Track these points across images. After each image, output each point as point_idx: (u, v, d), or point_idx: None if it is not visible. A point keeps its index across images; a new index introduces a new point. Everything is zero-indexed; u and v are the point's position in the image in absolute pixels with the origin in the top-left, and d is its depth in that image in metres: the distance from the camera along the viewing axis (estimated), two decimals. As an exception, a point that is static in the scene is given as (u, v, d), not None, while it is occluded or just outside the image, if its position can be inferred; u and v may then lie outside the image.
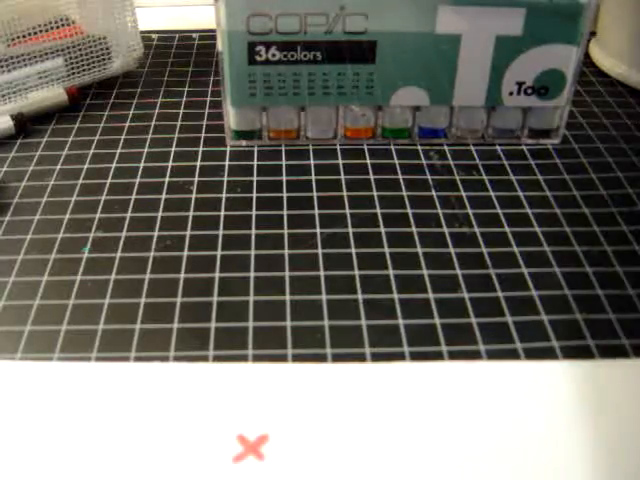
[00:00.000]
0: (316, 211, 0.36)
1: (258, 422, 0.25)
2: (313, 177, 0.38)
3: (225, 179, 0.38)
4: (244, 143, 0.41)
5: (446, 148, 0.41)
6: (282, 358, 0.28)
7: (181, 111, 0.45)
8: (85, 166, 0.39)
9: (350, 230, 0.35)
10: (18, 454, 0.24)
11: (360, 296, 0.31)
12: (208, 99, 0.46)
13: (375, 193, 0.37)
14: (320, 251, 0.33)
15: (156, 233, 0.34)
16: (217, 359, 0.28)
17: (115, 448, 0.25)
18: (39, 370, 0.27)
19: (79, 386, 0.27)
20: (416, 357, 0.28)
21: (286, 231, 0.34)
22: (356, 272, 0.32)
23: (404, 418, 0.26)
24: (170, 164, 0.39)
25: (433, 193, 0.37)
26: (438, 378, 0.27)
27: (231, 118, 0.40)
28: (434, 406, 0.26)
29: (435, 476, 0.24)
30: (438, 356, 0.28)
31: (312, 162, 0.40)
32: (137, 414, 0.26)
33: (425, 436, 0.25)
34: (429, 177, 0.38)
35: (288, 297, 0.31)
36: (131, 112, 0.44)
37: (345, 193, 0.37)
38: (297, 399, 0.26)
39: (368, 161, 0.40)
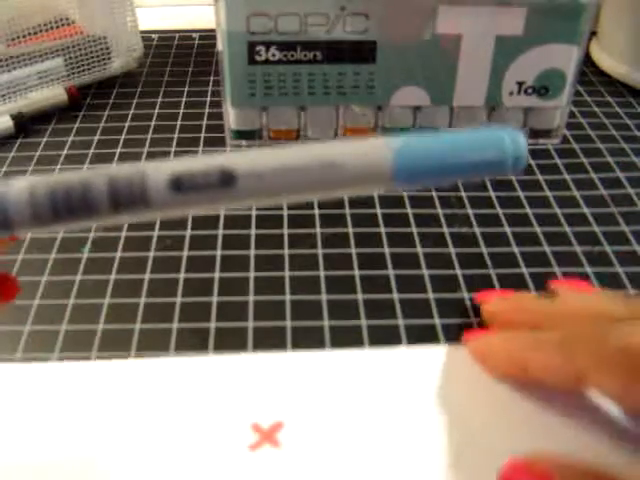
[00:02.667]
0: (316, 211, 0.36)
1: (271, 410, 0.26)
2: (313, 177, 0.38)
3: (225, 179, 0.38)
4: (244, 143, 0.41)
5: (446, 148, 0.41)
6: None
7: (181, 111, 0.45)
8: (85, 166, 0.39)
9: (350, 230, 0.34)
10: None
11: (360, 296, 0.31)
12: (208, 99, 0.46)
13: (375, 193, 0.37)
14: (320, 251, 0.33)
15: (156, 233, 0.34)
16: (217, 359, 0.28)
17: (137, 440, 0.25)
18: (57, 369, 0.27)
19: (99, 382, 0.27)
20: (416, 357, 0.28)
21: (286, 231, 0.34)
22: (356, 272, 0.32)
23: (413, 403, 0.26)
24: (170, 164, 0.39)
25: (433, 193, 0.37)
26: (440, 362, 0.28)
27: (231, 118, 0.40)
28: (443, 390, 0.26)
29: (446, 457, 0.24)
30: (438, 356, 0.28)
31: (312, 162, 0.39)
32: (154, 408, 0.26)
33: (435, 421, 0.25)
34: (429, 177, 0.38)
35: (288, 297, 0.31)
36: (131, 112, 0.44)
37: (345, 193, 0.37)
38: (307, 386, 0.27)
39: (368, 161, 0.40)
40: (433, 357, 0.28)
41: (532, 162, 0.40)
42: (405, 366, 0.27)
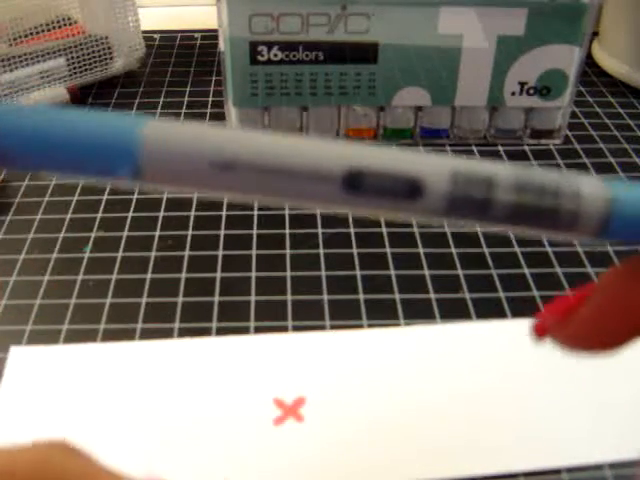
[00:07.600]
0: (318, 211, 0.36)
1: (293, 387, 0.26)
2: (315, 177, 0.38)
3: (227, 179, 0.38)
4: (246, 143, 0.41)
5: (448, 148, 0.41)
6: (283, 358, 0.28)
7: (183, 111, 0.45)
8: (87, 166, 0.39)
9: (352, 230, 0.34)
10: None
11: (362, 296, 0.31)
12: (210, 99, 0.46)
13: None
14: (322, 251, 0.33)
15: (158, 233, 0.34)
16: (218, 359, 0.28)
17: (166, 418, 0.25)
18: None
19: (127, 362, 0.28)
20: (417, 357, 0.28)
21: (287, 231, 0.34)
22: (357, 272, 0.32)
23: (428, 377, 0.27)
24: (172, 164, 0.39)
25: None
26: (462, 339, 0.29)
27: (233, 118, 0.40)
28: (456, 365, 0.27)
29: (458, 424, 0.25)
30: (439, 356, 0.28)
31: (314, 162, 0.39)
32: (181, 387, 0.27)
33: (447, 393, 0.26)
34: (431, 177, 0.38)
35: (289, 297, 0.31)
36: (133, 112, 0.44)
37: (347, 193, 0.37)
38: (327, 363, 0.27)
39: (370, 161, 0.40)
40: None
41: (534, 162, 0.40)
42: (429, 342, 0.29)
